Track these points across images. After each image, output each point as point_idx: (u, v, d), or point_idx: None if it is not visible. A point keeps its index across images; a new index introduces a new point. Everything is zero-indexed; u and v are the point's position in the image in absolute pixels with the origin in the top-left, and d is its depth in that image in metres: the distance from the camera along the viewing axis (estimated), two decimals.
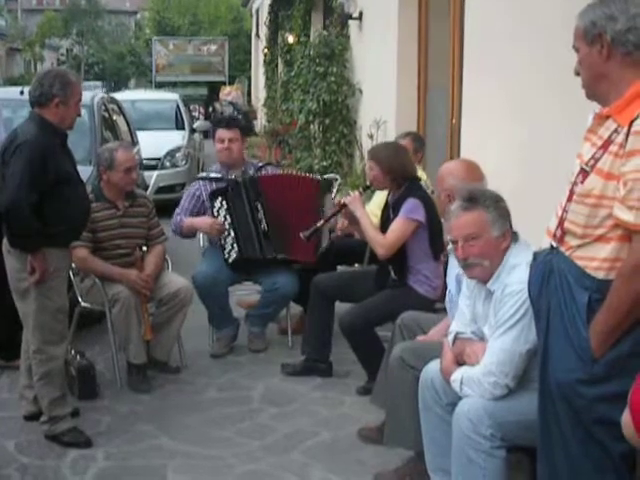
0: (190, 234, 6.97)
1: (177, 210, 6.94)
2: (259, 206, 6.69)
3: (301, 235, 6.12)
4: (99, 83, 43.14)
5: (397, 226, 5.62)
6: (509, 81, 6.54)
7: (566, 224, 3.11)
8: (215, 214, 6.69)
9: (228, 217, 6.67)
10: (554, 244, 3.18)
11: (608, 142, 2.99)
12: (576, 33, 3.14)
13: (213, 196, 6.73)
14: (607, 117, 3.05)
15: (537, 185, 5.92)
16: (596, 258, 3.00)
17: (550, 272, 3.17)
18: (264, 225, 6.67)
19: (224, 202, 6.67)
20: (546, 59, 5.86)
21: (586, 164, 3.05)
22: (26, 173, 4.73)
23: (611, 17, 3.01)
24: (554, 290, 3.14)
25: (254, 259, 6.69)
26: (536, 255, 3.35)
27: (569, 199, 3.12)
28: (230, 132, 6.85)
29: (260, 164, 7.25)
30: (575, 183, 3.10)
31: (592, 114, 3.18)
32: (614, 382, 2.98)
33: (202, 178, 7.06)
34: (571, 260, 3.08)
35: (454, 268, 4.45)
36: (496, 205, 3.92)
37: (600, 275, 2.99)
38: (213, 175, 7.01)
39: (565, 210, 3.13)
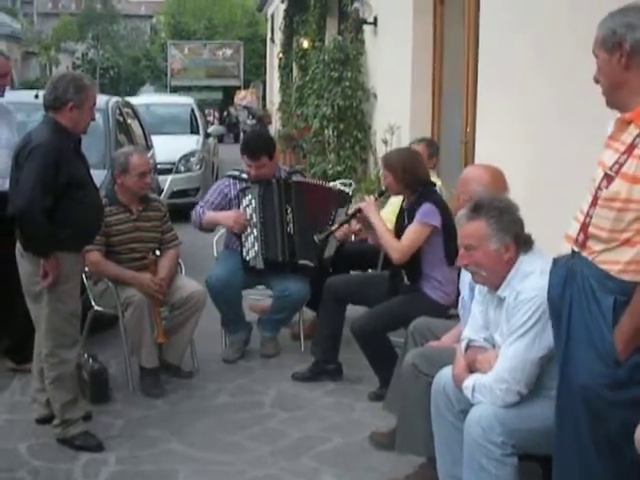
0: (209, 228, 6.96)
1: (200, 202, 6.94)
2: (289, 209, 6.68)
3: (315, 238, 6.15)
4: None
5: (412, 231, 5.61)
6: (523, 89, 6.53)
7: (590, 229, 3.09)
8: (242, 210, 6.68)
9: (255, 216, 6.65)
10: (576, 249, 3.16)
11: (632, 147, 2.97)
12: (595, 41, 3.14)
13: (243, 193, 6.72)
14: (629, 123, 3.03)
15: (550, 193, 5.91)
16: (620, 261, 2.99)
17: (572, 276, 3.15)
18: (290, 228, 6.66)
19: (254, 200, 6.66)
20: (560, 70, 5.85)
21: (610, 169, 3.03)
22: (39, 177, 4.74)
23: (630, 25, 3.02)
24: (576, 294, 3.12)
25: (273, 262, 6.68)
26: (556, 261, 3.33)
27: (593, 204, 3.09)
28: (257, 161, 6.67)
29: (291, 170, 7.22)
30: (599, 188, 3.07)
31: (613, 121, 3.16)
32: (637, 386, 2.98)
33: (233, 176, 7.00)
34: (594, 264, 3.06)
35: (467, 274, 4.45)
36: (499, 218, 3.90)
37: (626, 278, 2.98)
38: (245, 175, 6.89)
39: (588, 215, 3.10)
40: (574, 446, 3.21)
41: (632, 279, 2.96)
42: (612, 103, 3.16)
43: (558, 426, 3.32)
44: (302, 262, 6.71)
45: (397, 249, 5.63)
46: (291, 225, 6.67)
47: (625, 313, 2.95)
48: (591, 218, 3.09)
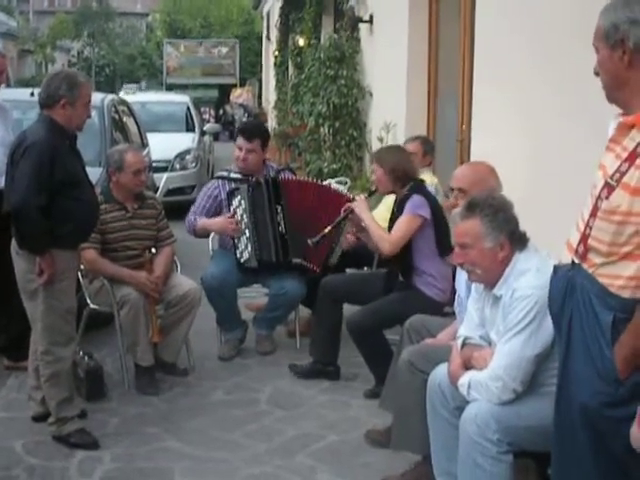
0: (203, 234, 6.96)
1: (192, 209, 6.91)
2: (279, 209, 6.66)
3: (309, 242, 6.14)
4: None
5: (402, 222, 5.63)
6: (519, 87, 6.52)
7: (590, 241, 2.96)
8: (232, 212, 6.67)
9: (245, 217, 6.64)
10: (576, 260, 3.04)
11: (634, 155, 2.83)
12: (597, 32, 2.97)
13: (232, 195, 6.70)
14: (631, 127, 2.89)
15: (546, 192, 5.91)
16: (621, 276, 2.87)
17: (572, 289, 3.05)
18: (282, 228, 6.65)
19: (243, 201, 6.65)
20: (556, 67, 5.85)
21: (611, 177, 2.89)
22: (34, 175, 4.74)
23: (635, 21, 2.84)
24: (576, 309, 3.02)
25: (267, 262, 6.67)
26: (557, 269, 3.22)
27: (593, 214, 2.96)
28: (249, 144, 6.73)
29: (280, 167, 7.22)
30: (599, 197, 2.93)
31: (615, 119, 3.01)
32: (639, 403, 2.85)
33: (221, 177, 7.02)
34: (594, 278, 2.94)
35: (464, 273, 4.45)
36: (494, 216, 3.90)
37: (626, 294, 2.86)
38: (234, 175, 6.94)
39: (588, 226, 2.97)
40: (574, 463, 3.14)
41: (632, 296, 2.85)
42: (613, 100, 3.01)
43: (557, 443, 3.25)
44: (296, 261, 6.71)
45: (388, 240, 5.64)
46: (282, 225, 6.66)
47: (626, 331, 2.83)
48: (591, 229, 2.96)
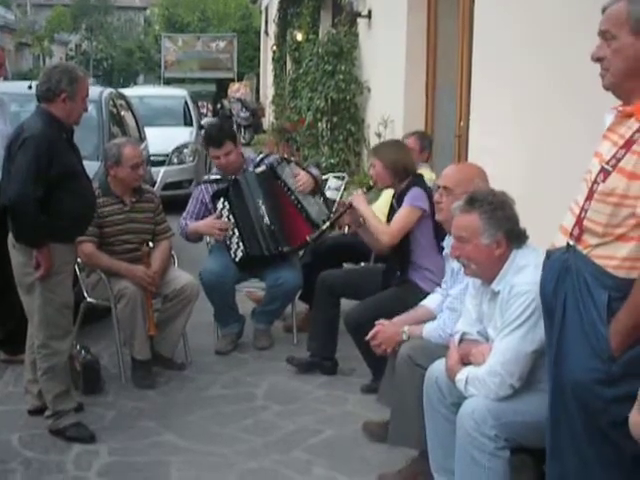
0: (196, 238, 6.96)
1: (183, 214, 6.93)
2: (260, 202, 6.69)
3: (307, 238, 6.17)
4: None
5: (401, 214, 5.61)
6: (518, 83, 6.52)
7: (585, 222, 3.02)
8: (219, 215, 6.69)
9: (231, 217, 6.66)
10: (571, 242, 3.10)
11: (631, 142, 2.90)
12: (616, 20, 2.96)
13: (215, 198, 6.74)
14: (629, 116, 2.96)
15: (544, 188, 5.91)
16: (615, 257, 2.94)
17: (567, 270, 3.09)
18: (267, 220, 6.67)
19: (226, 202, 6.68)
20: (554, 62, 5.84)
21: (607, 163, 2.96)
22: (32, 168, 4.73)
23: None
24: (570, 289, 3.06)
25: (260, 257, 6.68)
26: (550, 253, 3.26)
27: (588, 198, 3.02)
28: (223, 149, 6.71)
29: (258, 158, 7.20)
30: (595, 182, 2.99)
31: (610, 113, 3.07)
32: (630, 382, 2.88)
33: (204, 181, 7.07)
34: (589, 259, 3.00)
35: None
36: (492, 213, 3.90)
37: (621, 274, 2.93)
38: (213, 177, 7.00)
39: (584, 209, 3.03)
40: (569, 444, 3.16)
41: (627, 276, 2.91)
42: (616, 88, 3.03)
43: (552, 422, 3.27)
44: (287, 249, 6.72)
45: (387, 232, 5.62)
46: (266, 217, 6.68)
47: (622, 309, 2.88)
48: (586, 212, 3.02)
